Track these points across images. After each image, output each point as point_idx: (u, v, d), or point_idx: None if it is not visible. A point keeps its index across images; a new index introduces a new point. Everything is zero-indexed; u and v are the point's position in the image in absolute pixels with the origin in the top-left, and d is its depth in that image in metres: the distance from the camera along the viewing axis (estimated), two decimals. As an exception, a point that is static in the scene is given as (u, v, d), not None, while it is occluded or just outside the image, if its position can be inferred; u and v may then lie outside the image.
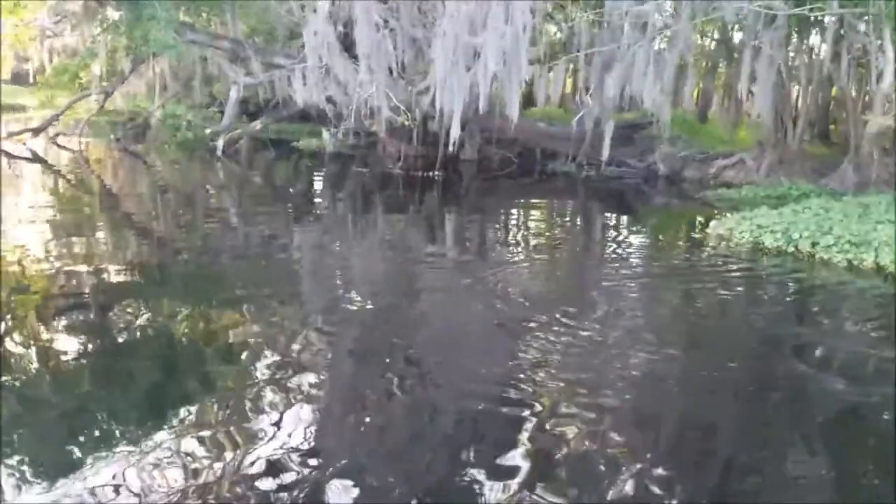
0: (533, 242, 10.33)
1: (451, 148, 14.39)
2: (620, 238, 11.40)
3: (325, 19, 14.47)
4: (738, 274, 8.30)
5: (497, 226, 12.01)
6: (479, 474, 3.57)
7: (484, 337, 5.91)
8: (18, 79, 24.35)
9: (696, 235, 11.27)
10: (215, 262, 8.15)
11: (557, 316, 6.05)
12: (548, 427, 4.17)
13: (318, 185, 16.18)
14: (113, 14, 14.57)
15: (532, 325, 5.87)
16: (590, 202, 15.10)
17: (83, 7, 14.82)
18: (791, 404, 4.71)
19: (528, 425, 4.15)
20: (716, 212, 13.00)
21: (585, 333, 5.72)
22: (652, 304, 7.10)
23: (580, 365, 5.14)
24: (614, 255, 9.47)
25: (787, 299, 7.63)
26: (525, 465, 3.69)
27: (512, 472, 3.61)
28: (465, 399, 4.55)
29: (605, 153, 14.54)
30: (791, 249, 8.57)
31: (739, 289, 7.80)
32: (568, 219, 13.46)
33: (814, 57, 14.08)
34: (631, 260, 9.21)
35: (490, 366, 5.13)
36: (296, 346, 5.26)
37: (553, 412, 4.37)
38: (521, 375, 4.87)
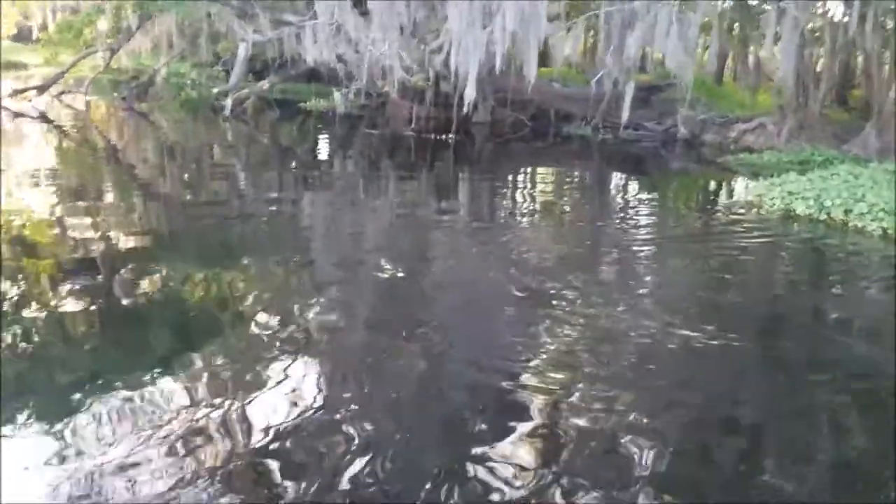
0: (550, 207, 10.09)
1: (465, 109, 14.01)
2: (644, 203, 11.09)
3: (337, -26, 14.01)
4: (772, 241, 8.03)
5: (513, 190, 11.78)
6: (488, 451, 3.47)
7: (500, 307, 5.64)
8: (20, 36, 23.83)
9: (725, 201, 10.87)
10: (226, 225, 7.95)
11: (579, 286, 5.86)
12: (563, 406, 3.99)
13: (328, 146, 15.83)
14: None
15: (551, 293, 5.67)
16: (608, 166, 14.76)
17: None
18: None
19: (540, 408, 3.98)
20: (739, 177, 12.79)
21: (619, 310, 5.40)
22: (685, 272, 6.86)
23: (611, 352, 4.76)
24: (639, 222, 9.20)
25: (828, 268, 7.33)
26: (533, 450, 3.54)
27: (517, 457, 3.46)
28: (477, 371, 4.39)
29: (625, 115, 14.17)
30: (823, 217, 8.32)
31: (779, 257, 7.57)
32: (586, 183, 13.12)
33: (836, 19, 13.58)
34: (656, 226, 8.93)
35: (505, 339, 4.91)
36: (306, 313, 5.14)
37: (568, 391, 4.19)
38: (532, 352, 4.67)
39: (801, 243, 7.98)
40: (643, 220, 9.25)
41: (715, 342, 4.82)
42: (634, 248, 7.56)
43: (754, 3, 15.68)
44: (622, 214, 9.70)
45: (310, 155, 14.44)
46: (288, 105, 19.51)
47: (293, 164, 13.32)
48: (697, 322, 5.15)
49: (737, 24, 16.11)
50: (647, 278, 6.58)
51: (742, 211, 9.25)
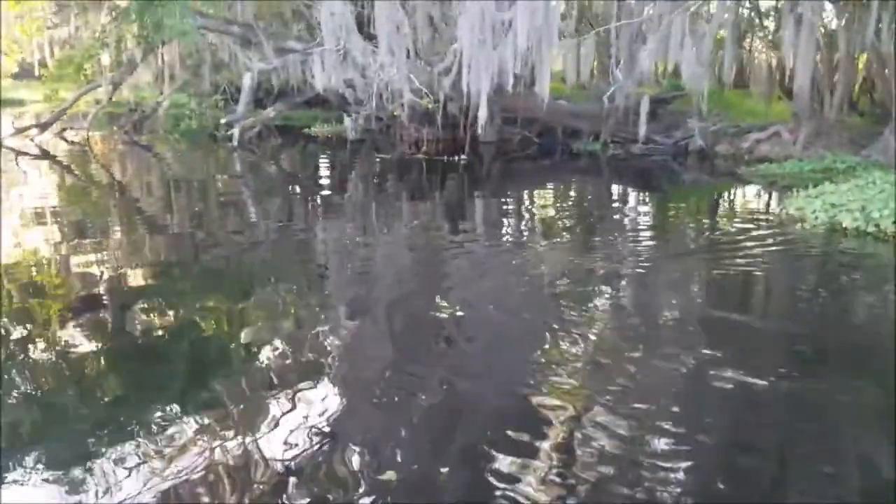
0: (567, 226, 9.86)
1: (479, 130, 13.83)
2: (668, 218, 10.89)
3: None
4: (825, 258, 7.74)
5: (527, 210, 11.47)
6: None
7: (520, 331, 5.42)
8: (21, 74, 23.60)
9: (762, 215, 10.45)
10: (236, 257, 7.76)
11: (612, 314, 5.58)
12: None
13: (337, 172, 15.58)
14: (121, 2, 13.92)
15: (588, 329, 5.36)
16: (620, 181, 14.52)
17: (89, -6, 14.20)
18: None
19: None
20: (759, 187, 12.60)
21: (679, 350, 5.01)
22: (741, 297, 6.59)
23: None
24: (667, 238, 8.96)
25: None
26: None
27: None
28: (499, 398, 4.22)
29: (642, 130, 14.04)
30: (871, 229, 8.00)
31: (842, 278, 7.14)
32: (600, 200, 12.89)
33: (854, 23, 13.45)
34: (691, 245, 8.60)
35: (527, 370, 4.62)
36: (320, 343, 5.00)
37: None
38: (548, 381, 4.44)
39: (856, 259, 7.62)
40: (671, 237, 8.99)
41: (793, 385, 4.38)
42: (671, 270, 7.26)
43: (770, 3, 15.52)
44: (647, 232, 9.43)
45: (319, 181, 14.21)
46: (289, 131, 19.33)
47: (304, 191, 13.10)
48: (773, 361, 4.76)
49: (749, 33, 15.98)
50: (691, 307, 6.20)
51: (786, 226, 8.93)
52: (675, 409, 4.07)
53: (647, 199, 12.49)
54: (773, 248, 8.14)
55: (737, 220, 10.13)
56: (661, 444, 3.68)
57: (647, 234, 9.31)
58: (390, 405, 4.16)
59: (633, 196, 13.07)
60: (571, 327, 5.24)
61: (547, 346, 4.96)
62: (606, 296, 6.27)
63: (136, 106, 20.05)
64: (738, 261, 7.47)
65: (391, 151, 16.54)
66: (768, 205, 11.03)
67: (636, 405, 4.07)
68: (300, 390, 4.21)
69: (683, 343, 5.03)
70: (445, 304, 5.86)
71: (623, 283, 6.68)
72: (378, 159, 16.10)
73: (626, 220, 10.45)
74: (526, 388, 4.31)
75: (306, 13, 17.63)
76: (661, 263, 7.49)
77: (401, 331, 5.38)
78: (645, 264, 7.35)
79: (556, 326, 5.25)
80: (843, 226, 8.20)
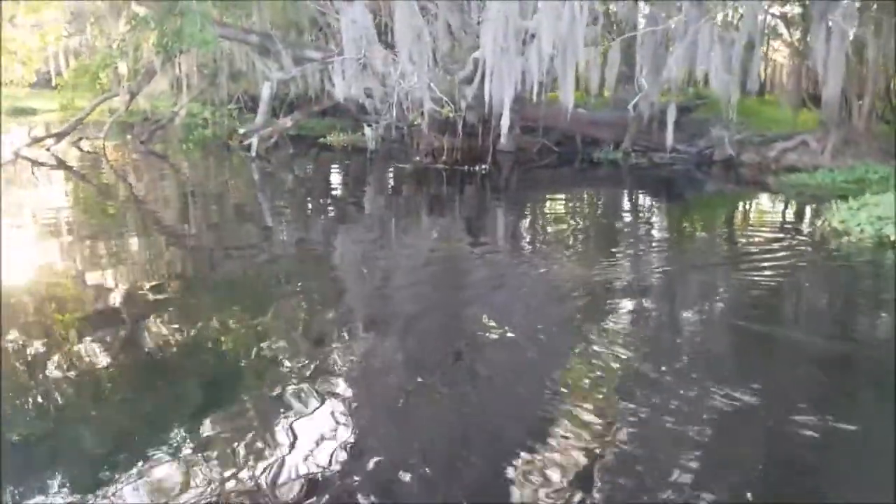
0: (592, 236, 9.66)
1: (501, 139, 13.61)
2: (700, 230, 10.64)
3: (363, 8, 13.67)
4: (881, 273, 7.40)
5: (549, 220, 11.24)
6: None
7: (543, 350, 5.20)
8: (38, 83, 23.49)
9: (806, 229, 10.10)
10: (254, 269, 7.65)
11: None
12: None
13: (357, 183, 15.38)
14: (139, 10, 13.77)
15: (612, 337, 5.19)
16: (643, 191, 14.24)
17: (108, 4, 14.05)
18: None
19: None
20: (795, 199, 12.34)
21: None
22: (794, 317, 6.29)
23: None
24: (701, 251, 8.68)
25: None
26: None
27: None
28: (518, 421, 4.06)
29: (669, 139, 13.77)
30: (921, 242, 7.74)
31: None
32: (623, 210, 12.62)
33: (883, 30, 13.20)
34: (728, 258, 8.31)
35: (544, 392, 4.44)
36: (340, 357, 4.95)
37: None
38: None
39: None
40: (704, 250, 8.71)
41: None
42: (709, 285, 7.02)
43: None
44: (676, 245, 9.18)
45: (337, 191, 14.02)
46: (302, 141, 19.15)
47: (322, 201, 12.91)
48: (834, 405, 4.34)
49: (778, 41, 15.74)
50: (736, 325, 5.86)
51: (829, 239, 8.64)
52: (696, 445, 3.75)
53: (673, 210, 12.22)
54: (824, 262, 7.87)
55: (778, 233, 9.81)
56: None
57: (676, 246, 9.08)
58: (407, 424, 4.08)
59: (657, 206, 12.81)
60: (594, 347, 5.04)
61: (566, 367, 4.79)
62: (631, 312, 6.06)
63: (150, 115, 19.94)
64: (792, 277, 7.22)
65: (409, 161, 16.33)
66: (804, 216, 10.73)
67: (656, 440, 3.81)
68: (317, 407, 4.14)
69: (724, 371, 4.71)
70: (464, 319, 5.77)
71: (653, 298, 6.44)
72: (392, 169, 15.89)
73: (653, 231, 10.23)
74: (542, 411, 4.16)
75: (320, 20, 17.50)
76: (694, 277, 7.31)
77: (418, 347, 5.22)
78: (675, 278, 7.17)
79: (578, 345, 5.07)
80: (892, 239, 7.91)
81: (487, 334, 5.48)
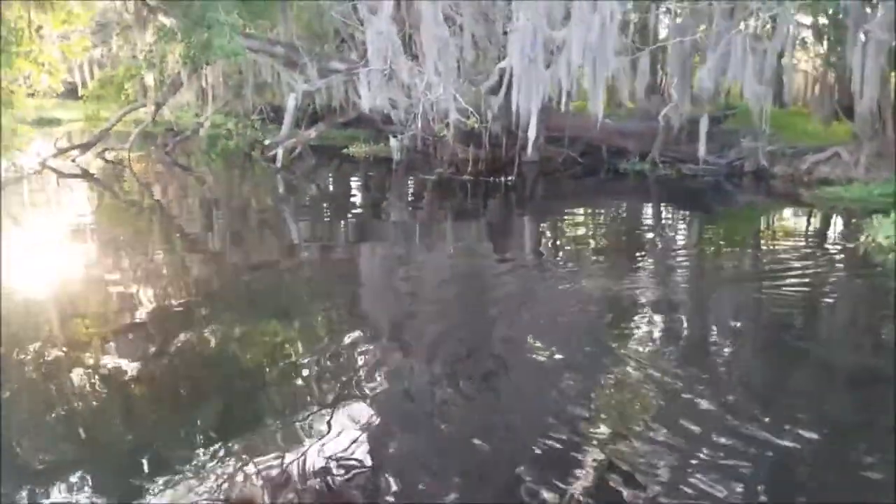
0: (620, 252, 9.38)
1: (528, 149, 13.46)
2: (735, 244, 10.39)
3: (389, 19, 13.59)
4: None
5: (577, 233, 11.05)
6: None
7: (567, 367, 5.05)
8: (66, 94, 23.63)
9: (848, 244, 9.67)
10: (280, 280, 7.65)
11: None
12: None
13: (381, 194, 15.28)
14: (165, 20, 13.79)
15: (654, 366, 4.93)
16: (673, 203, 13.96)
17: (134, 14, 14.08)
18: None
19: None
20: (829, 212, 12.09)
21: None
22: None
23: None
24: (743, 267, 8.45)
25: None
26: None
27: None
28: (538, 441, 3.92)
29: (702, 150, 13.59)
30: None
31: None
32: (655, 222, 12.39)
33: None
34: (774, 275, 8.03)
35: (566, 412, 4.30)
36: (365, 372, 4.90)
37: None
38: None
39: None
40: (744, 265, 8.48)
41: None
42: (749, 302, 6.80)
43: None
44: (712, 259, 8.97)
45: (361, 203, 13.93)
46: (323, 152, 19.08)
47: (346, 212, 12.88)
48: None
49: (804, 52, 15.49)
50: (783, 348, 5.66)
51: (873, 255, 8.36)
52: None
53: (705, 222, 11.97)
54: (875, 280, 7.62)
55: (819, 248, 9.58)
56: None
57: (711, 260, 8.88)
58: (427, 437, 4.06)
59: (688, 219, 12.57)
60: (626, 367, 4.88)
61: (598, 391, 4.64)
62: (664, 330, 5.88)
63: (174, 126, 19.98)
64: (844, 296, 6.98)
65: (433, 172, 16.20)
66: (843, 230, 10.47)
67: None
68: (340, 425, 4.08)
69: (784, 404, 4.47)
70: (491, 337, 5.68)
71: (687, 315, 6.30)
72: (417, 181, 15.73)
73: (684, 245, 10.04)
74: (562, 432, 4.01)
75: (343, 31, 17.45)
76: (732, 293, 7.10)
77: (444, 366, 5.08)
78: (711, 295, 7.01)
79: (609, 366, 4.93)
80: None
81: (514, 353, 5.35)
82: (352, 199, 14.71)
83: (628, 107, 18.59)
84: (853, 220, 10.60)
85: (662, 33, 14.81)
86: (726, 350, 5.48)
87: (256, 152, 18.21)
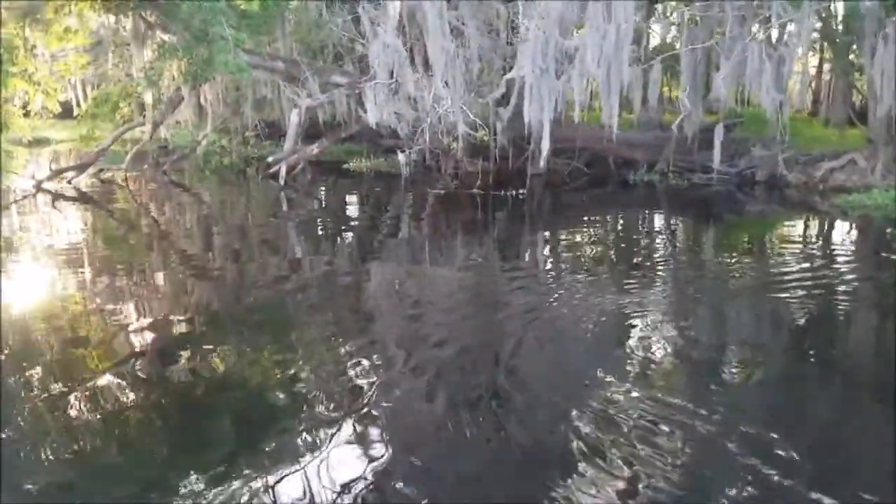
0: (635, 265, 9.17)
1: (541, 162, 13.15)
2: (759, 254, 10.07)
3: (394, 31, 13.27)
4: None
5: (588, 246, 10.67)
6: None
7: (579, 385, 4.90)
8: (63, 114, 23.12)
9: (884, 253, 9.45)
10: (285, 301, 7.48)
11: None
12: None
13: (384, 209, 14.87)
14: (164, 36, 13.39)
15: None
16: (690, 213, 13.65)
17: (132, 31, 13.67)
18: None
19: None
20: (849, 221, 11.84)
21: None
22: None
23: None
24: (774, 280, 8.10)
25: None
26: None
27: None
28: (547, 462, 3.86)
29: (716, 159, 13.33)
30: None
31: None
32: (677, 235, 12.06)
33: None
34: (816, 290, 7.73)
35: (577, 432, 4.19)
36: (372, 393, 4.76)
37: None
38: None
39: None
40: (769, 279, 8.09)
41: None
42: (777, 317, 6.53)
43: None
44: (736, 273, 8.63)
45: (362, 218, 13.55)
46: (321, 167, 18.69)
47: (349, 229, 12.58)
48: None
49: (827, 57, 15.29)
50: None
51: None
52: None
53: (723, 234, 11.72)
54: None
55: (858, 260, 9.27)
56: None
57: (735, 275, 8.56)
58: (436, 457, 4.03)
59: (706, 230, 12.26)
60: (636, 391, 4.71)
61: (605, 415, 4.41)
62: (677, 351, 5.66)
63: (167, 144, 19.56)
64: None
65: (439, 186, 15.85)
66: (874, 239, 10.18)
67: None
68: (345, 447, 4.07)
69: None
70: (498, 352, 5.58)
71: (702, 332, 6.13)
72: (419, 195, 15.35)
73: (703, 258, 9.77)
74: (573, 454, 3.93)
75: (339, 46, 17.12)
76: (761, 308, 6.85)
77: (451, 387, 4.97)
78: (735, 309, 6.80)
79: (619, 387, 4.77)
80: None
81: (522, 372, 5.22)
82: (357, 215, 14.30)
83: (629, 117, 18.41)
84: (885, 229, 10.32)
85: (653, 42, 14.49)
86: (752, 377, 5.23)
87: (252, 169, 17.82)
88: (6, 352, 5.53)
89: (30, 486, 3.69)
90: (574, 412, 4.44)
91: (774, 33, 13.22)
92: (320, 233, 12.06)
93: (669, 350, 5.65)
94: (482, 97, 14.93)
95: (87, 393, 4.76)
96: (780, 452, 3.89)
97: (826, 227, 12.23)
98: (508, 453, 4.06)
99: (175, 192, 16.72)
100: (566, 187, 16.34)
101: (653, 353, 5.54)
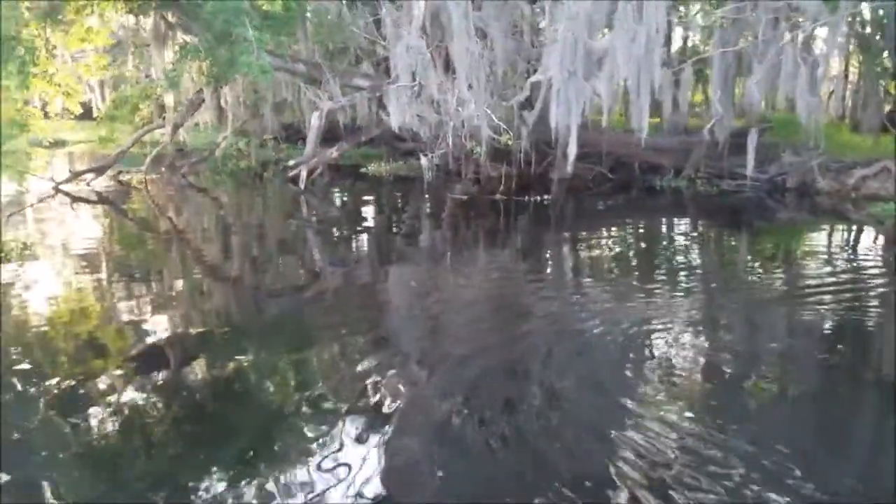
0: (665, 274, 8.86)
1: (567, 167, 12.87)
2: (792, 263, 9.73)
3: (418, 32, 13.05)
4: None
5: (613, 254, 10.34)
6: None
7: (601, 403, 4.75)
8: (84, 115, 23.09)
9: None
10: (299, 306, 7.40)
11: None
12: None
13: (409, 215, 14.62)
14: (184, 37, 13.23)
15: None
16: (726, 223, 13.07)
17: (153, 31, 13.52)
18: None
19: None
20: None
21: None
22: None
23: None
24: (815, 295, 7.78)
25: None
26: None
27: None
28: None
29: (750, 165, 13.01)
30: None
31: None
32: (708, 243, 11.70)
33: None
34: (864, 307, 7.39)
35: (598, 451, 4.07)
36: (392, 403, 4.67)
37: None
38: None
39: None
40: (806, 292, 7.75)
41: None
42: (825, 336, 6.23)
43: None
44: (768, 284, 8.32)
45: (379, 223, 13.31)
46: (338, 170, 18.49)
47: (366, 234, 12.30)
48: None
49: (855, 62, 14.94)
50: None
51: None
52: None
53: (756, 243, 11.34)
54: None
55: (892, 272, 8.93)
56: None
57: (767, 285, 8.26)
58: (454, 469, 3.92)
59: (738, 239, 11.88)
60: (662, 412, 4.49)
61: (626, 426, 4.27)
62: (707, 364, 5.48)
63: (185, 147, 19.41)
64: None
65: (462, 191, 15.59)
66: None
67: None
68: (363, 454, 4.02)
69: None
70: (524, 367, 5.40)
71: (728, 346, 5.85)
72: (441, 200, 15.10)
73: (737, 269, 9.41)
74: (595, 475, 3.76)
75: (356, 49, 16.91)
76: (784, 317, 6.67)
77: (469, 400, 4.78)
78: (763, 320, 6.51)
79: (645, 406, 4.58)
80: None
81: (550, 389, 4.97)
82: (377, 220, 14.05)
83: (654, 121, 18.08)
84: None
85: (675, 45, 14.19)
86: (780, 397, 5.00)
87: (269, 172, 17.63)
88: (27, 358, 5.48)
89: (46, 483, 3.69)
90: (609, 433, 4.25)
91: (806, 36, 12.81)
92: (339, 238, 11.82)
93: (700, 364, 5.47)
94: (506, 100, 14.69)
95: (103, 397, 4.75)
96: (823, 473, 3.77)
97: (859, 236, 11.87)
98: (536, 475, 3.85)
99: (195, 195, 16.56)
100: (590, 193, 16.06)
101: (683, 367, 5.33)
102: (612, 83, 11.75)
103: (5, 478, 3.71)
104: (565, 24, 11.61)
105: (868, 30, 14.54)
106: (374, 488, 3.69)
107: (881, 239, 11.56)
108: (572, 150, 12.55)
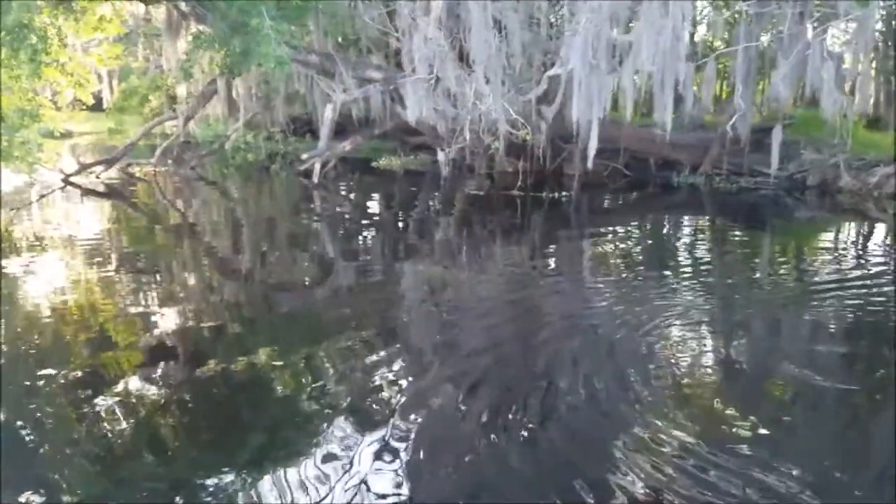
0: (687, 273, 8.69)
1: (588, 162, 12.64)
2: (824, 262, 9.50)
3: (436, 24, 12.79)
4: None
5: (632, 252, 10.13)
6: None
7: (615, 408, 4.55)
8: (95, 107, 22.88)
9: None
10: (311, 302, 7.27)
11: None
12: None
13: (421, 209, 14.39)
14: (198, 26, 12.96)
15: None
16: (744, 220, 12.85)
17: (166, 21, 13.26)
18: None
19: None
20: None
21: None
22: None
23: None
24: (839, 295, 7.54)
25: None
26: None
27: None
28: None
29: (774, 163, 12.76)
30: None
31: None
32: (728, 242, 11.44)
33: None
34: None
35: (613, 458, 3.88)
36: (402, 402, 4.59)
37: None
38: None
39: None
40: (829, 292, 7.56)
41: None
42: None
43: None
44: (786, 283, 8.15)
45: (389, 217, 13.08)
46: (348, 164, 18.24)
47: (378, 229, 12.08)
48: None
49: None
50: None
51: None
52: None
53: (777, 242, 11.12)
54: None
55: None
56: None
57: (784, 284, 8.05)
58: (467, 471, 3.82)
59: (757, 238, 11.64)
60: (680, 416, 4.35)
61: (640, 431, 4.14)
62: (722, 364, 5.35)
63: (191, 139, 19.16)
64: None
65: (478, 186, 15.35)
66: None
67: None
68: (375, 449, 3.95)
69: None
70: (536, 367, 5.22)
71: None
72: (456, 195, 14.86)
73: (757, 267, 9.21)
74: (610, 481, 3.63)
75: (368, 41, 16.64)
76: (803, 319, 6.51)
77: (484, 400, 4.65)
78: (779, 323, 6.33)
79: (661, 410, 4.43)
80: None
81: (559, 391, 4.80)
82: (390, 215, 13.80)
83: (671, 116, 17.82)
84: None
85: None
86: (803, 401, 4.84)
87: (276, 165, 17.38)
88: (34, 349, 5.48)
89: (54, 484, 3.63)
90: (620, 441, 4.08)
91: (833, 32, 12.57)
92: (351, 233, 11.59)
93: (716, 366, 5.32)
94: (523, 94, 14.43)
95: (114, 393, 4.68)
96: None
97: (883, 235, 11.64)
98: (544, 479, 3.73)
99: (205, 188, 16.34)
100: (605, 189, 15.84)
101: (698, 369, 5.21)
102: (634, 77, 11.48)
103: (9, 472, 3.66)
104: (587, 17, 11.35)
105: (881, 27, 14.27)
106: (387, 485, 3.63)
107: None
108: (593, 146, 12.32)
